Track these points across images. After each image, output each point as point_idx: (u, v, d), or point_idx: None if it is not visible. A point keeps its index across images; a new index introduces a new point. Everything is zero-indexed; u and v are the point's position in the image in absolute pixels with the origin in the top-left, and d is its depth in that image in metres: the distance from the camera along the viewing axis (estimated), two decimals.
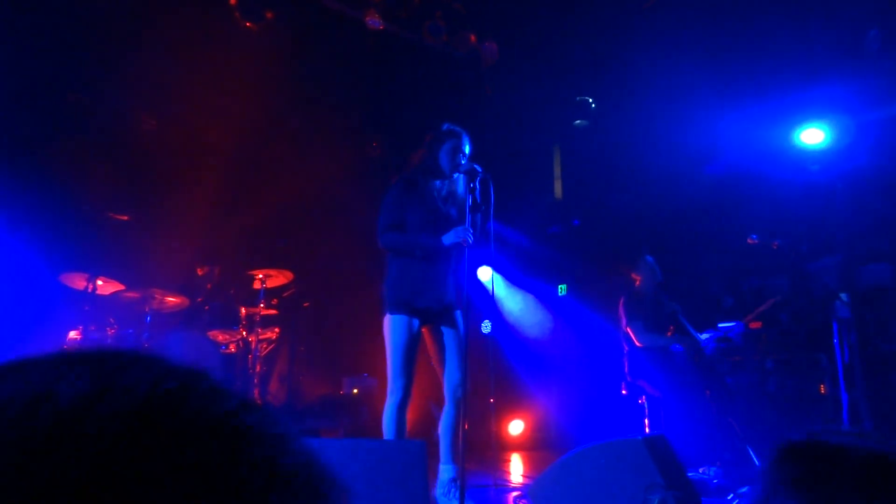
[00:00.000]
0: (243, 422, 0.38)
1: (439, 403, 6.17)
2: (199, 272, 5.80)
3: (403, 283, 3.14)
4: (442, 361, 3.20)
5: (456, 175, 3.24)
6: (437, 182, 3.27)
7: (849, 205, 5.86)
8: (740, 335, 5.68)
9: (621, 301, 4.81)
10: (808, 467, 0.66)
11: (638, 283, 4.84)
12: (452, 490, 3.00)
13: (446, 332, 3.20)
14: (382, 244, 3.20)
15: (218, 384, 0.40)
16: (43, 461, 0.32)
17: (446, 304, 3.21)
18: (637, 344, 4.65)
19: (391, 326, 3.11)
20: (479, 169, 3.11)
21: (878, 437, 0.68)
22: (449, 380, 3.17)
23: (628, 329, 4.69)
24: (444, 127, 3.32)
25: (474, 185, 3.13)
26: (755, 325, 5.84)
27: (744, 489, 3.66)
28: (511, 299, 6.79)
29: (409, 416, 3.12)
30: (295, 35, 5.77)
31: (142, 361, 0.40)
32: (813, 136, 5.68)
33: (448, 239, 3.07)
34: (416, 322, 3.13)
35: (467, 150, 3.26)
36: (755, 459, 3.84)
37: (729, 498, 3.45)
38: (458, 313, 3.25)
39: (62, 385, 0.36)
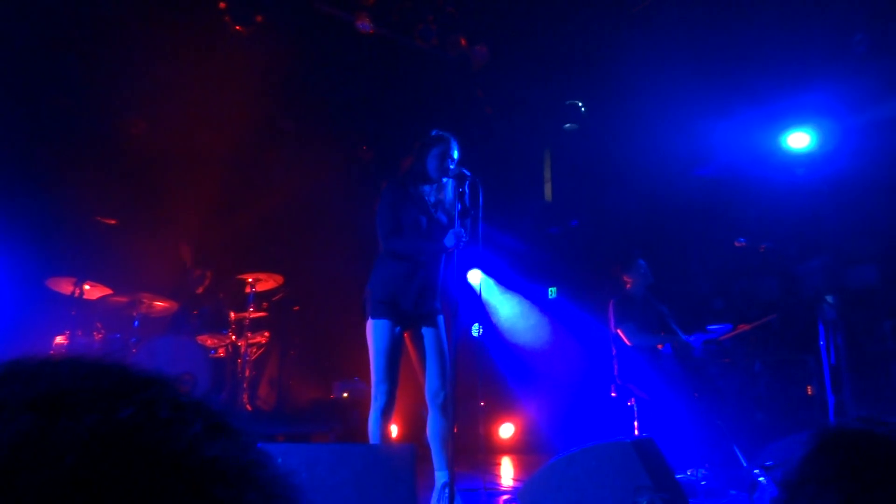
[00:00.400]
0: (205, 454, 0.35)
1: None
2: (197, 272, 5.75)
3: (386, 287, 3.13)
4: (423, 367, 3.19)
5: (445, 180, 3.24)
6: (427, 187, 3.27)
7: (835, 207, 5.91)
8: (729, 337, 5.72)
9: (611, 303, 4.83)
10: (859, 457, 0.63)
11: (629, 285, 4.85)
12: (444, 495, 3.00)
13: (427, 336, 3.19)
14: (388, 248, 3.18)
15: (181, 401, 0.37)
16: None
17: (429, 309, 3.19)
18: (628, 344, 4.67)
19: (374, 331, 3.10)
20: (467, 173, 3.12)
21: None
22: (429, 386, 3.15)
23: (618, 331, 4.71)
24: (433, 132, 3.33)
25: (463, 189, 3.14)
26: (744, 327, 5.87)
27: (733, 492, 3.68)
28: (501, 303, 6.80)
29: (402, 420, 3.12)
30: (285, 39, 5.76)
31: (96, 379, 0.37)
32: (799, 139, 5.74)
33: (449, 241, 3.06)
34: (398, 327, 3.12)
35: (455, 154, 3.26)
36: (743, 461, 3.86)
37: (755, 473, 3.45)
38: (441, 318, 3.24)
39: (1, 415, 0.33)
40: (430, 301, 3.20)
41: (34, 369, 0.37)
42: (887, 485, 0.59)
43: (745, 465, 3.78)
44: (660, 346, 4.57)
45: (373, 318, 3.11)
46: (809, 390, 5.28)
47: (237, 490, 0.35)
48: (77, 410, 0.34)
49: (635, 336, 4.64)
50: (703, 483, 3.80)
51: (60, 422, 0.33)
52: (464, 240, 3.06)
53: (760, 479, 3.15)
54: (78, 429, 0.33)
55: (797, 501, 0.64)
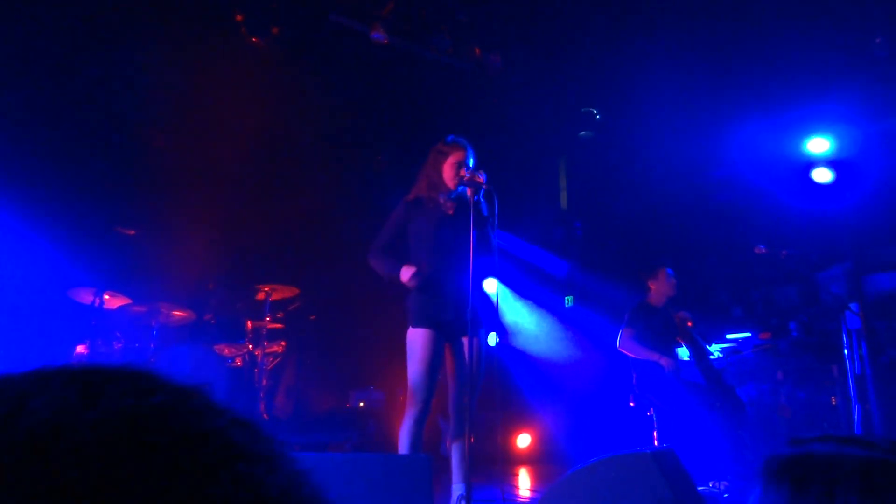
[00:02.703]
0: (232, 438, 0.37)
1: (447, 417, 6.13)
2: (210, 286, 5.81)
3: (427, 296, 3.14)
4: (455, 378, 3.19)
5: (461, 188, 3.23)
6: (442, 195, 3.27)
7: (857, 213, 5.81)
8: (751, 347, 5.63)
9: (629, 309, 4.78)
10: (804, 482, 0.64)
11: (651, 294, 4.78)
12: None
13: (462, 349, 3.19)
14: (368, 259, 3.27)
15: (209, 400, 0.40)
16: (20, 474, 0.31)
17: (468, 320, 3.17)
18: (617, 344, 4.62)
19: (414, 339, 3.11)
20: (483, 181, 3.11)
21: (871, 442, 0.66)
22: (456, 399, 3.14)
23: (622, 328, 4.65)
24: (448, 139, 3.33)
25: (478, 197, 3.13)
26: (765, 335, 5.79)
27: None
28: (518, 312, 6.76)
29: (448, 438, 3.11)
30: (301, 50, 5.81)
31: (131, 375, 0.39)
32: (820, 145, 5.66)
33: (405, 275, 3.09)
34: (438, 336, 3.12)
35: (471, 162, 3.26)
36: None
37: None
38: (483, 332, 3.25)
39: (44, 397, 0.35)
40: (468, 311, 3.16)
41: (70, 367, 0.39)
42: (833, 499, 0.61)
43: None
44: (663, 362, 4.45)
45: (413, 326, 3.13)
46: (833, 400, 5.18)
47: (262, 472, 0.37)
48: (114, 394, 0.36)
49: (628, 342, 4.56)
50: (725, 496, 3.73)
51: (101, 401, 0.35)
52: (416, 279, 3.06)
53: None
54: (115, 407, 0.35)
55: None
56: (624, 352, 4.62)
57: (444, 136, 3.38)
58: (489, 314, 3.24)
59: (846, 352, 4.51)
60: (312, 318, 6.64)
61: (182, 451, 0.35)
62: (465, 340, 3.18)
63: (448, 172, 3.22)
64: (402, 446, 3.00)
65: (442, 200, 3.25)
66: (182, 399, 0.38)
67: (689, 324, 4.64)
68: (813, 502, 0.61)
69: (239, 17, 5.47)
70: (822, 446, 0.68)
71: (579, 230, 7.07)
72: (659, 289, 4.72)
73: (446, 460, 3.19)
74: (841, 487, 0.61)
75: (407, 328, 3.18)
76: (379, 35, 5.61)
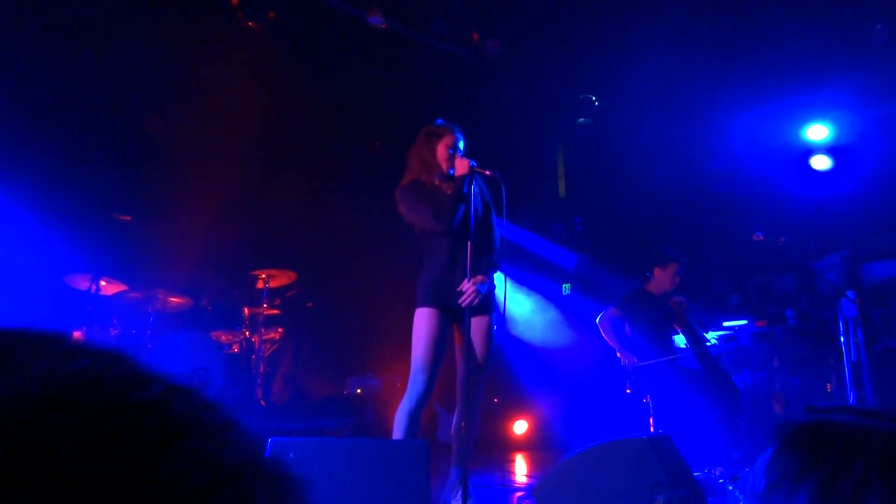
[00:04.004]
0: (172, 408, 0.32)
1: (444, 403, 6.14)
2: (207, 273, 5.81)
3: (433, 276, 3.11)
4: (464, 358, 3.12)
5: (451, 171, 3.20)
6: (437, 179, 3.24)
7: (854, 201, 5.81)
8: (747, 334, 5.65)
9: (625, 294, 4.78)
10: (826, 448, 0.62)
11: (653, 281, 4.75)
12: (457, 492, 2.98)
13: (471, 332, 3.14)
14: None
15: (140, 366, 0.34)
16: None
17: (478, 304, 3.13)
18: (597, 320, 4.63)
19: (419, 320, 3.06)
20: (496, 174, 3.11)
21: (892, 417, 0.65)
22: (465, 379, 3.08)
23: (610, 307, 4.66)
24: (438, 122, 3.30)
25: (480, 187, 3.13)
26: (761, 323, 5.81)
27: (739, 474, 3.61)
28: (515, 300, 6.77)
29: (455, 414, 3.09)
30: (297, 34, 5.76)
31: (46, 337, 0.33)
32: (818, 132, 5.64)
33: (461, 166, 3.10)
34: (445, 317, 3.07)
35: (461, 144, 3.24)
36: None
37: (729, 488, 3.40)
38: (494, 317, 3.22)
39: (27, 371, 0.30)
40: (478, 296, 3.13)
41: None
42: (858, 471, 0.59)
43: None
44: (620, 355, 4.50)
45: (419, 306, 3.08)
46: (829, 387, 5.20)
47: (215, 442, 0.32)
48: (24, 364, 0.30)
49: (608, 324, 4.57)
50: (720, 481, 3.75)
51: (9, 371, 0.30)
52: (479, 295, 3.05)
53: (736, 493, 3.10)
54: (30, 376, 0.29)
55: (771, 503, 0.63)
56: (599, 328, 4.62)
57: (431, 119, 3.35)
58: (494, 296, 3.21)
59: (842, 339, 4.53)
60: (309, 304, 6.64)
61: (114, 426, 0.29)
62: (474, 320, 3.14)
63: (442, 154, 3.20)
64: (398, 431, 2.95)
65: (437, 183, 3.22)
66: (108, 364, 0.32)
67: (684, 305, 4.64)
68: (829, 470, 0.60)
69: (235, 2, 5.42)
70: (841, 416, 0.67)
71: (579, 225, 7.06)
72: (662, 279, 4.69)
73: (443, 446, 3.20)
74: (862, 459, 0.59)
75: (413, 310, 3.12)
76: (376, 20, 5.56)
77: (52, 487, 0.26)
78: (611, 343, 4.58)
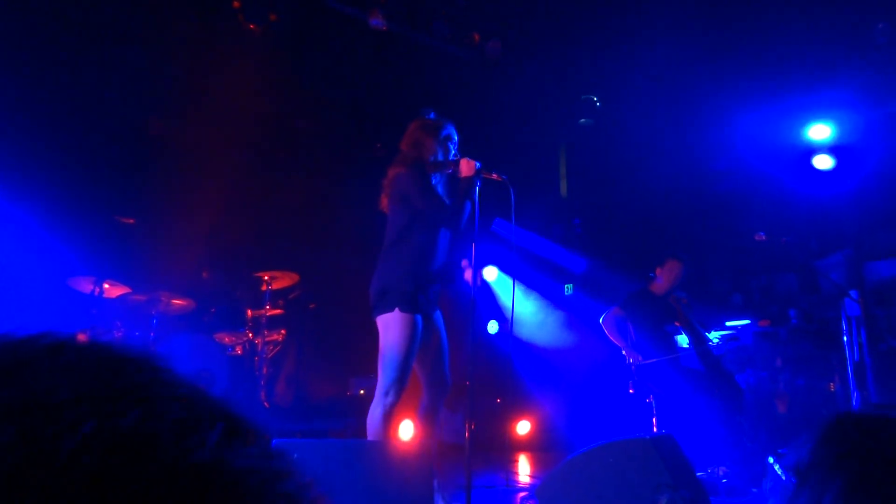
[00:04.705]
0: (233, 466, 0.29)
1: (447, 404, 6.14)
2: (205, 275, 5.82)
3: (412, 277, 2.97)
4: (431, 359, 3.07)
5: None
6: (436, 175, 3.21)
7: (857, 201, 5.80)
8: (750, 334, 5.64)
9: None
10: (862, 441, 0.63)
11: (655, 282, 4.76)
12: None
13: (437, 329, 3.09)
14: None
15: (189, 395, 0.31)
16: None
17: (436, 301, 3.11)
18: (601, 319, 4.65)
19: (400, 324, 2.88)
20: (504, 177, 3.08)
21: None
22: (435, 387, 3.05)
23: (613, 307, 4.67)
24: (432, 116, 3.27)
25: (479, 185, 3.11)
26: (764, 323, 5.80)
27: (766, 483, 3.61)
28: (517, 300, 6.77)
29: (413, 417, 3.06)
30: (298, 36, 5.77)
31: (79, 369, 0.30)
32: (821, 131, 5.63)
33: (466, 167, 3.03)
34: (422, 321, 2.97)
35: (456, 138, 3.23)
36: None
37: (769, 461, 3.40)
38: (439, 313, 3.15)
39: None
40: (436, 297, 3.10)
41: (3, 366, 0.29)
42: (890, 466, 0.60)
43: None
44: (626, 353, 4.52)
45: (401, 310, 2.90)
46: (832, 386, 5.19)
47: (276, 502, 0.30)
48: (66, 417, 0.27)
49: (611, 323, 4.58)
50: (724, 481, 3.75)
51: (47, 431, 0.26)
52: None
53: (775, 466, 3.10)
54: (71, 441, 0.26)
55: (805, 487, 0.64)
56: (603, 328, 4.64)
57: (423, 112, 3.31)
58: (483, 300, 3.17)
59: (845, 339, 4.52)
60: (312, 306, 6.65)
61: (178, 495, 0.27)
62: (436, 321, 3.11)
63: (440, 150, 3.16)
64: (374, 436, 2.84)
65: (435, 179, 3.19)
66: (159, 409, 0.30)
67: (684, 301, 4.64)
68: (863, 464, 0.61)
69: (236, 4, 5.43)
70: (891, 413, 0.67)
71: (578, 227, 7.06)
72: (665, 279, 4.70)
73: (446, 446, 3.19)
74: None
75: (385, 309, 2.94)
76: (377, 21, 5.56)
77: None
78: (616, 342, 4.59)
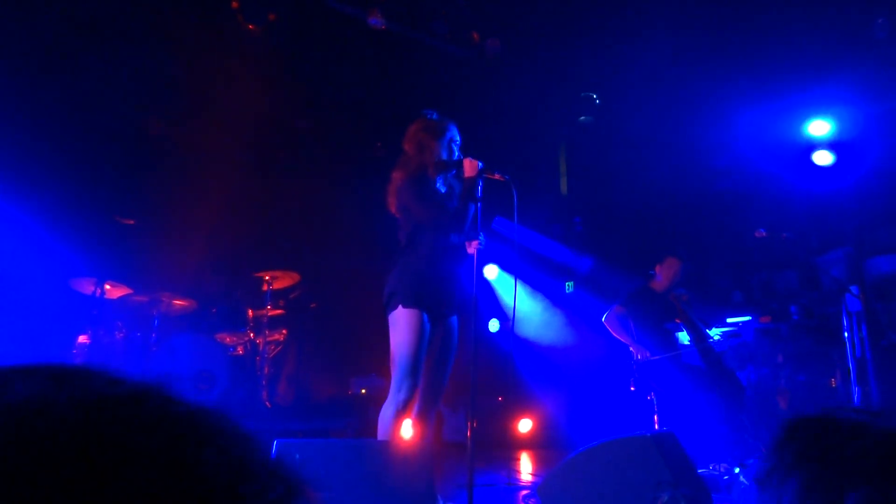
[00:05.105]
0: (203, 420, 0.38)
1: (449, 403, 6.12)
2: (209, 275, 5.84)
3: (421, 277, 3.00)
4: (428, 364, 3.06)
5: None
6: (440, 176, 3.22)
7: (857, 196, 5.80)
8: (751, 331, 5.65)
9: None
10: (818, 441, 0.64)
11: (655, 280, 4.77)
12: None
13: (444, 337, 3.10)
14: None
15: (168, 391, 0.40)
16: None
17: (447, 310, 3.11)
18: (603, 318, 4.65)
19: (406, 321, 2.93)
20: (506, 177, 3.08)
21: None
22: (430, 389, 3.05)
23: (614, 305, 4.68)
24: (434, 115, 3.27)
25: (481, 185, 3.10)
26: (765, 319, 5.80)
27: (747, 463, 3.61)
28: (518, 298, 6.77)
29: (413, 416, 3.06)
30: (298, 36, 5.77)
31: (94, 369, 0.40)
32: (820, 127, 5.63)
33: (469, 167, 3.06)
34: (428, 320, 2.99)
35: (458, 138, 3.24)
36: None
37: (735, 472, 3.42)
38: (455, 320, 3.17)
39: (23, 382, 0.36)
40: (449, 299, 3.12)
41: (40, 363, 0.40)
42: (843, 466, 0.61)
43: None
44: (633, 349, 4.52)
45: (405, 306, 2.95)
46: (833, 382, 5.20)
47: (240, 450, 0.38)
48: (80, 384, 0.37)
49: (614, 321, 4.59)
50: (725, 478, 3.75)
51: (67, 389, 0.36)
52: (482, 247, 3.04)
53: (740, 477, 3.12)
54: (86, 396, 0.36)
55: (766, 491, 0.65)
56: (606, 326, 4.66)
57: (424, 112, 3.30)
58: (484, 299, 3.17)
59: (846, 335, 4.52)
60: (313, 305, 6.66)
61: (163, 434, 0.35)
62: (442, 329, 3.11)
63: (444, 151, 3.17)
64: (384, 434, 2.87)
65: (439, 180, 3.19)
66: (147, 387, 0.39)
67: (685, 298, 4.65)
68: (817, 464, 0.62)
69: (235, 4, 5.43)
70: (842, 414, 0.68)
71: (579, 225, 7.06)
72: (664, 276, 4.71)
73: (448, 446, 3.20)
74: (851, 456, 0.61)
75: (391, 307, 2.99)
76: (376, 20, 5.56)
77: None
78: (622, 339, 4.60)
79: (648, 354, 4.43)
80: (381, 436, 2.89)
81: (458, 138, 3.22)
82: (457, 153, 3.18)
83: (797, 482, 0.61)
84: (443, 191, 3.19)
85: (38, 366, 0.39)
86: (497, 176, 3.09)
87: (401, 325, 2.96)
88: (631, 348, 4.53)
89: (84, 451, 0.32)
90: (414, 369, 2.92)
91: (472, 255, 3.08)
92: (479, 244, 3.04)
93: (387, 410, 2.92)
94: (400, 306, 2.96)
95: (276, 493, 0.37)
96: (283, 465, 0.39)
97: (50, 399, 0.35)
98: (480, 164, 3.08)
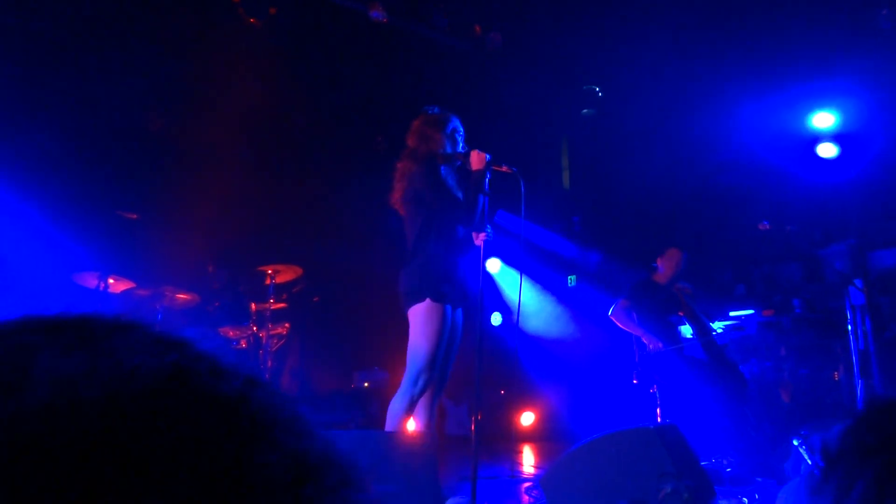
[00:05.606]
0: (260, 402, 0.33)
1: (452, 396, 6.14)
2: (210, 269, 5.83)
3: (446, 270, 3.01)
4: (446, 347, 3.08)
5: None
6: (445, 168, 3.21)
7: (861, 189, 5.78)
8: (754, 324, 5.64)
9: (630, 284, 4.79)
10: (893, 429, 0.60)
11: (658, 272, 4.76)
12: None
13: (453, 329, 3.10)
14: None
15: (218, 358, 0.36)
16: (27, 450, 0.27)
17: (462, 300, 3.12)
18: (609, 312, 4.65)
19: (436, 315, 2.91)
20: (514, 169, 3.08)
21: None
22: (437, 381, 3.04)
23: (620, 299, 4.67)
24: (436, 109, 3.26)
25: (489, 177, 3.09)
26: (768, 312, 5.80)
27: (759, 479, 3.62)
28: (523, 293, 6.77)
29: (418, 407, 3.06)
30: (299, 30, 5.76)
31: (127, 327, 0.35)
32: (824, 119, 5.60)
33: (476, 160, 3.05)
34: (450, 311, 3.00)
35: (462, 130, 3.24)
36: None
37: (794, 443, 3.40)
38: (461, 311, 3.17)
39: (42, 359, 0.31)
40: (462, 292, 3.12)
41: (56, 321, 0.36)
42: None
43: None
44: (646, 340, 4.51)
45: (434, 300, 2.93)
46: (836, 376, 5.19)
47: (299, 435, 0.33)
48: (118, 355, 0.32)
49: (622, 314, 4.59)
50: (728, 470, 3.75)
51: (107, 363, 0.31)
52: (490, 238, 3.04)
53: (801, 448, 3.10)
54: (126, 369, 0.31)
55: (834, 473, 0.61)
56: (614, 320, 4.65)
57: (427, 108, 3.29)
58: (487, 292, 3.16)
59: (850, 328, 4.51)
60: (316, 299, 6.66)
61: (206, 421, 0.30)
62: (455, 320, 3.12)
63: (449, 144, 3.16)
64: (393, 424, 2.87)
65: (445, 172, 3.18)
66: (194, 356, 0.34)
67: (688, 291, 4.65)
68: None
69: None
70: None
71: (578, 224, 7.05)
72: (666, 267, 4.71)
73: (451, 438, 3.21)
74: None
75: (416, 300, 2.96)
76: (378, 14, 5.55)
77: (145, 482, 0.27)
78: (632, 332, 4.59)
79: (661, 345, 4.43)
80: (389, 427, 2.89)
81: (461, 129, 3.22)
82: (461, 144, 3.17)
83: (873, 472, 0.57)
84: (450, 182, 3.19)
85: (64, 323, 0.35)
86: (505, 168, 3.08)
87: (429, 318, 2.93)
88: (644, 339, 4.51)
89: (106, 461, 0.28)
90: (434, 363, 2.92)
91: (478, 248, 3.08)
92: (487, 236, 3.04)
93: (398, 402, 2.91)
94: (429, 300, 2.94)
95: (332, 482, 0.33)
96: (338, 454, 0.35)
97: (87, 374, 0.30)
98: (488, 156, 3.07)
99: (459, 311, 3.18)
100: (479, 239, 3.07)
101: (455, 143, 3.17)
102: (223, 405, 0.32)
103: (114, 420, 0.29)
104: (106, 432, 0.28)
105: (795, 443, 3.06)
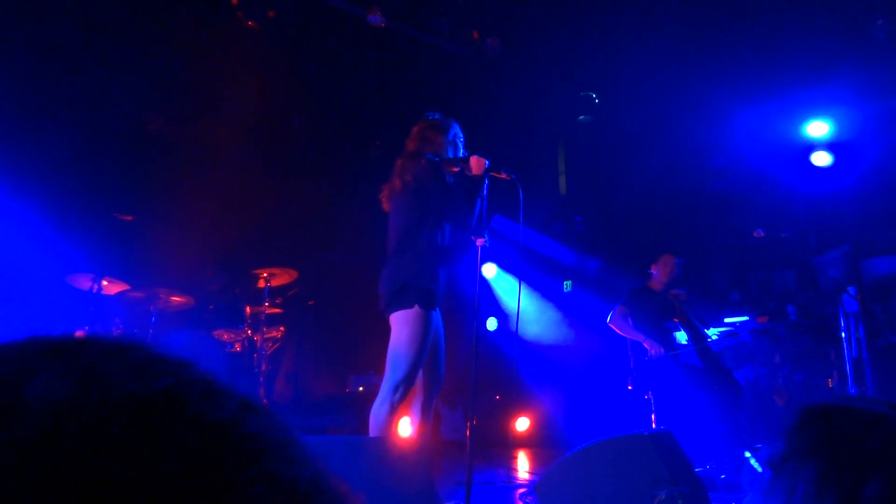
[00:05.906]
0: (250, 427, 0.33)
1: (447, 401, 6.13)
2: (208, 273, 5.82)
3: (435, 275, 2.96)
4: (429, 362, 3.04)
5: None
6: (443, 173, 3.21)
7: (855, 197, 5.81)
8: (748, 330, 5.66)
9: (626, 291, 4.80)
10: (837, 429, 0.64)
11: (653, 279, 4.78)
12: None
13: (439, 331, 3.08)
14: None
15: (214, 382, 0.36)
16: (17, 474, 0.27)
17: (442, 300, 3.12)
18: (608, 319, 4.66)
19: (423, 322, 2.86)
20: (513, 176, 3.08)
21: None
22: (433, 383, 3.04)
23: (617, 306, 4.69)
24: (437, 115, 3.26)
25: (487, 181, 3.09)
26: (762, 319, 5.81)
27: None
28: (516, 297, 6.78)
29: (409, 413, 3.05)
30: (297, 34, 5.76)
31: (129, 351, 0.35)
32: (819, 128, 5.64)
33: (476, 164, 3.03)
34: (434, 317, 2.96)
35: (462, 136, 3.25)
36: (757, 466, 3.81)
37: (746, 455, 3.42)
38: (439, 310, 3.13)
39: (41, 381, 0.31)
40: (442, 295, 3.11)
41: (57, 344, 0.35)
42: (860, 456, 0.61)
43: (759, 470, 3.73)
44: (647, 345, 4.52)
45: (421, 307, 2.87)
46: (830, 382, 5.21)
47: (288, 462, 0.33)
48: (111, 381, 0.32)
49: (620, 321, 4.60)
50: (722, 477, 3.76)
51: (98, 390, 0.31)
52: (487, 244, 3.04)
53: (751, 460, 3.12)
54: (117, 397, 0.31)
55: (780, 478, 0.65)
56: (613, 328, 4.67)
57: (425, 113, 3.30)
58: (482, 298, 3.13)
59: (843, 335, 4.53)
60: (311, 303, 6.65)
61: (197, 448, 0.31)
62: (440, 324, 3.10)
63: (449, 150, 3.17)
64: (378, 430, 2.82)
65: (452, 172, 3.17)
66: (188, 381, 0.34)
67: (683, 297, 4.66)
68: (834, 453, 0.62)
69: (235, 1, 5.41)
70: (860, 404, 0.68)
71: (580, 224, 7.07)
72: (660, 274, 4.73)
73: (446, 444, 3.20)
74: (868, 447, 0.60)
75: (403, 306, 2.90)
76: (376, 18, 5.56)
77: None
78: (632, 338, 4.60)
79: (662, 350, 4.43)
80: (373, 434, 2.84)
81: (461, 135, 3.23)
82: (462, 150, 3.18)
83: (814, 469, 0.61)
84: (450, 183, 3.18)
85: (53, 350, 0.34)
86: (503, 175, 3.07)
87: (416, 327, 2.86)
88: (645, 345, 4.52)
89: (107, 470, 0.28)
90: (415, 371, 2.89)
91: (474, 253, 3.07)
92: (485, 242, 3.03)
93: (380, 409, 2.86)
94: (417, 307, 2.87)
95: None
96: (329, 481, 0.35)
97: (74, 410, 0.30)
98: (487, 162, 3.07)
99: (437, 310, 3.15)
100: (478, 243, 3.06)
101: (456, 148, 3.18)
102: (212, 433, 0.32)
103: (97, 451, 0.29)
104: (88, 463, 0.28)
105: (747, 454, 3.07)
